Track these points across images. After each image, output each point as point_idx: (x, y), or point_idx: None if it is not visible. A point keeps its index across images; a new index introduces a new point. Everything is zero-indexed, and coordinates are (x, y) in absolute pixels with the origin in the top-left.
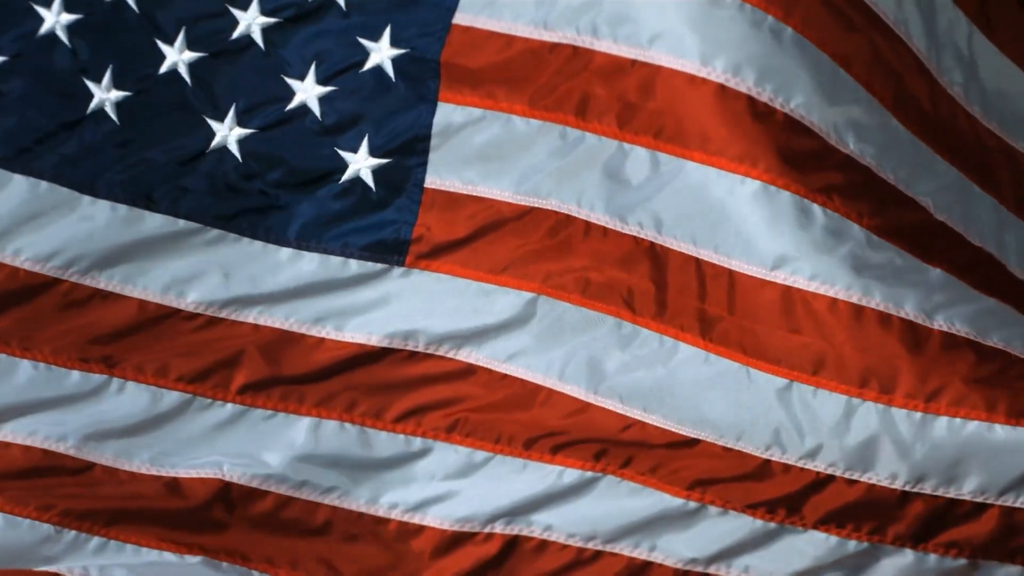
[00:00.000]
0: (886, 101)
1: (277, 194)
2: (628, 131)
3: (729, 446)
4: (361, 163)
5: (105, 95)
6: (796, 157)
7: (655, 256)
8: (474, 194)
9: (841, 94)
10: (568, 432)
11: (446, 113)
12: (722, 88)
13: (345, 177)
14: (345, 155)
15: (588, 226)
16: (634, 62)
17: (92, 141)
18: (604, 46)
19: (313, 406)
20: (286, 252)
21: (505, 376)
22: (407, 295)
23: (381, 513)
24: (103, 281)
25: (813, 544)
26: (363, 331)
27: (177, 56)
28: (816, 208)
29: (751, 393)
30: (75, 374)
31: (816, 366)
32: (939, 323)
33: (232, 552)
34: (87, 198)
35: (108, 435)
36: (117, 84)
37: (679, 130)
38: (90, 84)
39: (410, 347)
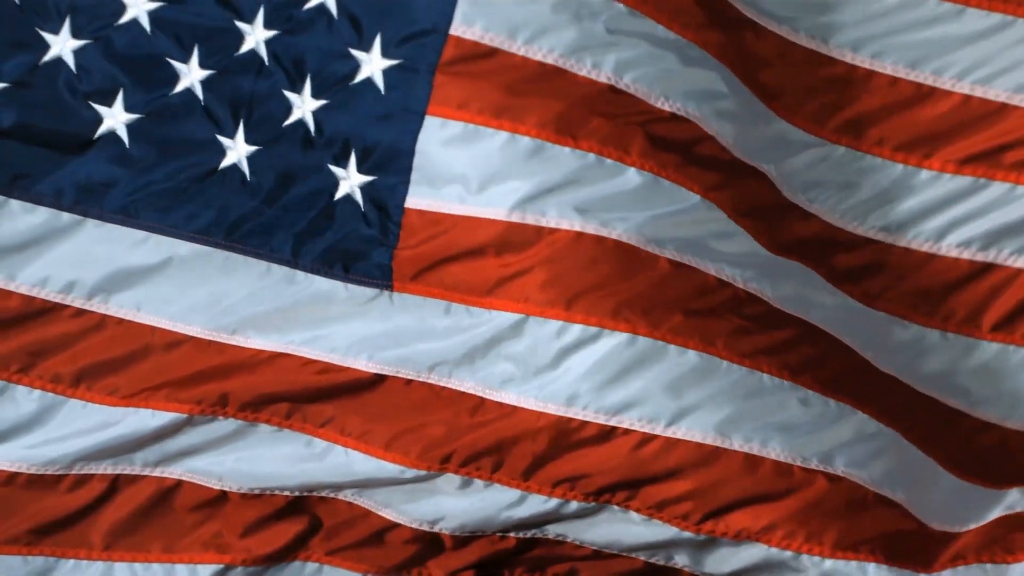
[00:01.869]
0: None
1: (278, 211)
2: (617, 149)
3: None
4: (351, 180)
5: (117, 119)
6: None
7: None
8: (457, 213)
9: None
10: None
11: (432, 127)
12: None
13: (337, 195)
14: (336, 171)
15: (581, 239)
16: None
17: (101, 165)
18: (584, 71)
19: (314, 426)
20: (282, 271)
21: (502, 404)
22: (396, 319)
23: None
24: (112, 307)
25: None
26: (362, 357)
27: (190, 74)
28: None
29: None
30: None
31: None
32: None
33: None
34: (92, 221)
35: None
36: (128, 107)
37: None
38: (99, 108)
39: (403, 374)
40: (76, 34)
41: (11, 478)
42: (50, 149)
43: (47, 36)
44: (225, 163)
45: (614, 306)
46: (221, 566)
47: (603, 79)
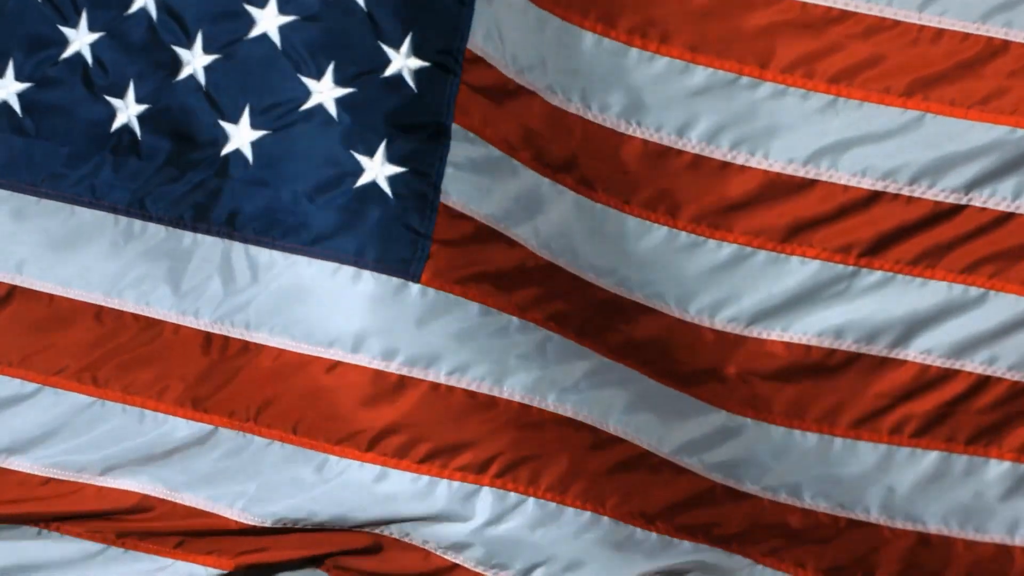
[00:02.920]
0: None
1: (289, 198)
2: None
3: None
4: (377, 170)
5: (129, 111)
6: None
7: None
8: (494, 227)
9: None
10: None
11: (460, 134)
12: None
13: (360, 182)
14: (361, 159)
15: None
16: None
17: (121, 160)
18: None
19: (336, 443)
20: (301, 261)
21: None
22: (427, 316)
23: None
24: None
25: None
26: (381, 356)
27: (193, 59)
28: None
29: None
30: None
31: None
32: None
33: None
34: (119, 218)
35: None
36: (139, 98)
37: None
38: (113, 101)
39: (431, 376)
40: (92, 27)
41: None
42: (77, 145)
43: (67, 31)
44: (228, 148)
45: None
46: None
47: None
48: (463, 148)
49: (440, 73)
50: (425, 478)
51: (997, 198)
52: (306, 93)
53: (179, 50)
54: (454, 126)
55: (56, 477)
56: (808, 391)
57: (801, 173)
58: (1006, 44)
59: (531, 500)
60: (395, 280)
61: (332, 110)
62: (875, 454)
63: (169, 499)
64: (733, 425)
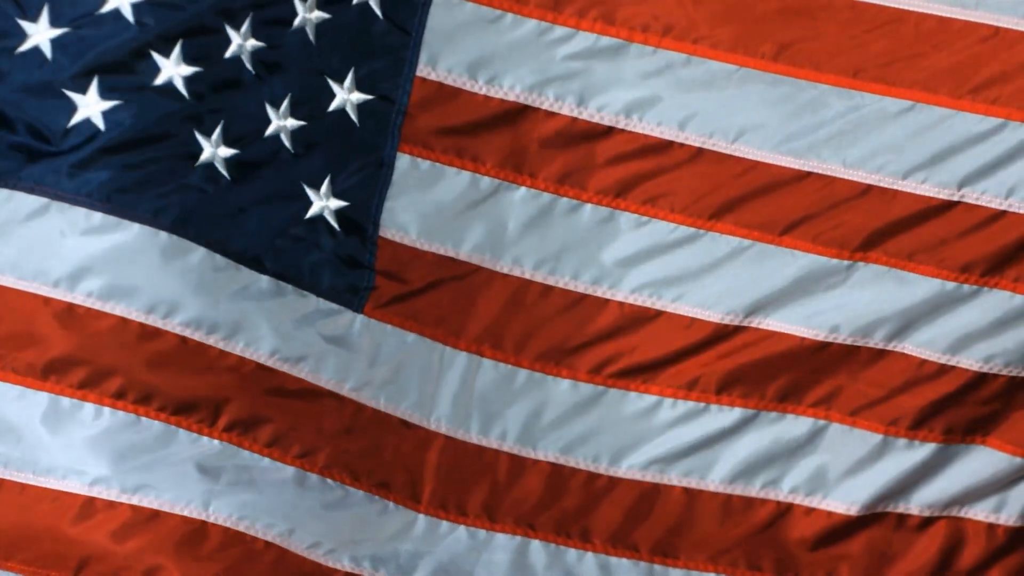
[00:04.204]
0: None
1: (255, 220)
2: (599, 193)
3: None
4: (323, 202)
5: (94, 107)
6: None
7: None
8: (431, 250)
9: None
10: None
11: (404, 164)
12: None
13: (309, 214)
14: (309, 192)
15: (550, 291)
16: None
17: (83, 154)
18: (566, 108)
19: (296, 457)
20: (265, 280)
21: (465, 443)
22: (366, 345)
23: None
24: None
25: None
26: (335, 378)
27: (173, 70)
28: None
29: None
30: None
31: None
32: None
33: None
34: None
35: None
36: (104, 96)
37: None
38: (74, 96)
39: (373, 404)
40: (55, 23)
41: None
42: (35, 140)
43: (25, 25)
44: (203, 159)
45: None
46: None
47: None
48: (407, 175)
49: (383, 104)
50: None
51: (989, 195)
52: (267, 121)
53: (157, 57)
54: (399, 155)
55: None
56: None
57: (796, 166)
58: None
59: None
60: (342, 310)
61: (287, 141)
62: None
63: None
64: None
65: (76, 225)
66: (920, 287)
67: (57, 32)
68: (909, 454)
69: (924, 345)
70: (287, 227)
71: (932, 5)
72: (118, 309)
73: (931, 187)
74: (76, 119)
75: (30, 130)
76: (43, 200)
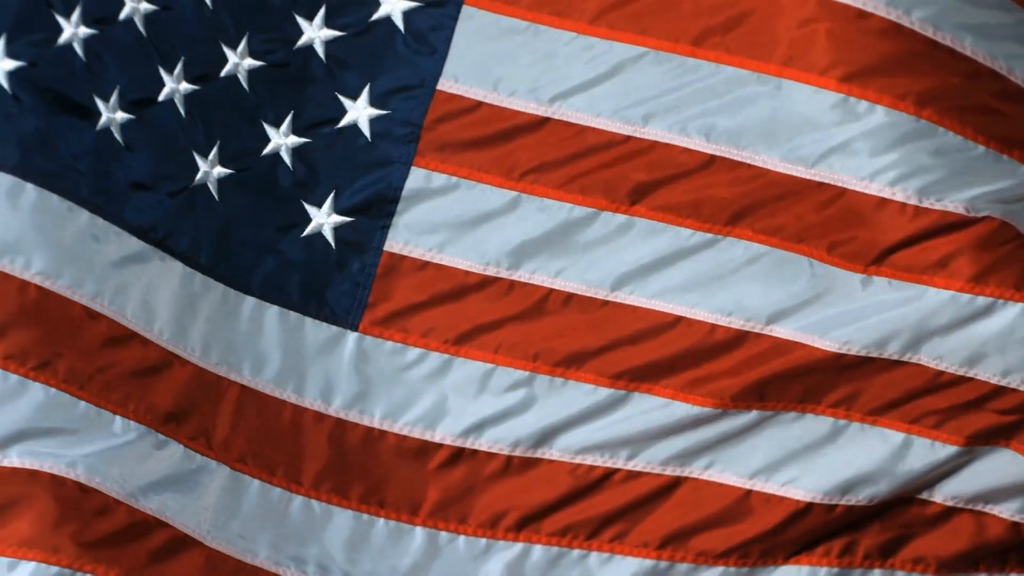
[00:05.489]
0: None
1: (246, 239)
2: (614, 202)
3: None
4: (324, 219)
5: (111, 115)
6: None
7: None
8: (435, 261)
9: None
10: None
11: (418, 178)
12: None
13: (307, 231)
14: (310, 209)
15: (558, 296)
16: (628, 138)
17: (99, 162)
18: (581, 118)
19: (283, 477)
20: (249, 302)
21: (464, 450)
22: (361, 363)
23: None
24: (98, 303)
25: None
26: (321, 398)
27: (175, 85)
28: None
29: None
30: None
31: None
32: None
33: None
34: (90, 216)
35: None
36: (122, 106)
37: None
38: (99, 101)
39: (365, 421)
40: (86, 21)
41: None
42: (59, 135)
43: (60, 19)
44: (198, 179)
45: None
46: None
47: None
48: (420, 190)
49: (399, 120)
50: None
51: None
52: (265, 139)
53: (163, 72)
54: (412, 170)
55: None
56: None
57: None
58: None
59: None
60: (334, 328)
61: (287, 159)
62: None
63: None
64: None
65: None
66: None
67: None
68: (931, 452)
69: (939, 357)
70: (284, 251)
71: None
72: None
73: (949, 203)
74: None
75: None
76: None
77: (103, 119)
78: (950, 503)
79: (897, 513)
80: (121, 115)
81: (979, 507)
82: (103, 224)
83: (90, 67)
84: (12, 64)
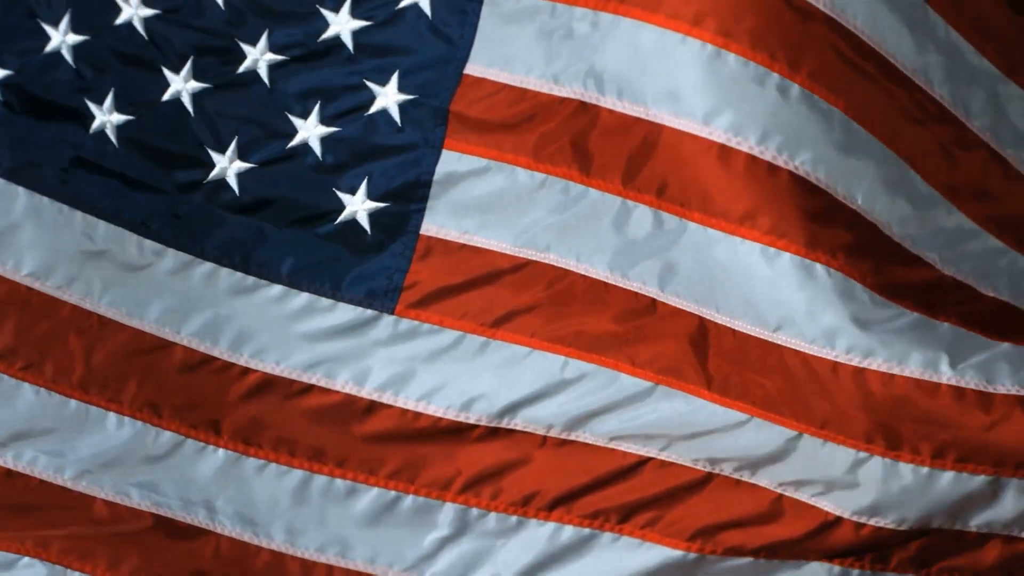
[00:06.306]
0: (903, 151)
1: (272, 230)
2: (632, 188)
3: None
4: (358, 205)
5: (106, 117)
6: (801, 215)
7: (655, 313)
8: (471, 244)
9: (854, 148)
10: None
11: (450, 161)
12: (723, 147)
13: (340, 218)
14: (343, 196)
15: (586, 281)
16: (637, 120)
17: (94, 163)
18: (609, 103)
19: (306, 459)
20: (276, 289)
21: (499, 429)
22: (397, 345)
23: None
24: (103, 307)
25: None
26: (353, 382)
27: (182, 85)
28: (819, 268)
29: (760, 440)
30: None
31: (823, 423)
32: (947, 377)
33: None
34: (81, 215)
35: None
36: (119, 108)
37: (681, 189)
38: (91, 105)
39: (400, 403)
40: (75, 28)
41: None
42: (51, 139)
43: (47, 28)
44: (214, 175)
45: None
46: None
47: None
48: (451, 173)
49: (427, 104)
50: None
51: None
52: (292, 130)
53: (167, 72)
54: (443, 153)
55: None
56: None
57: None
58: None
59: None
60: (369, 312)
61: (317, 148)
62: None
63: None
64: None
65: None
66: None
67: None
68: (956, 484)
69: None
70: (317, 239)
71: None
72: None
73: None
74: None
75: None
76: None
77: (97, 122)
78: (985, 530)
79: (929, 536)
80: (117, 116)
81: (1013, 532)
82: (102, 224)
83: (80, 72)
84: (1, 73)
